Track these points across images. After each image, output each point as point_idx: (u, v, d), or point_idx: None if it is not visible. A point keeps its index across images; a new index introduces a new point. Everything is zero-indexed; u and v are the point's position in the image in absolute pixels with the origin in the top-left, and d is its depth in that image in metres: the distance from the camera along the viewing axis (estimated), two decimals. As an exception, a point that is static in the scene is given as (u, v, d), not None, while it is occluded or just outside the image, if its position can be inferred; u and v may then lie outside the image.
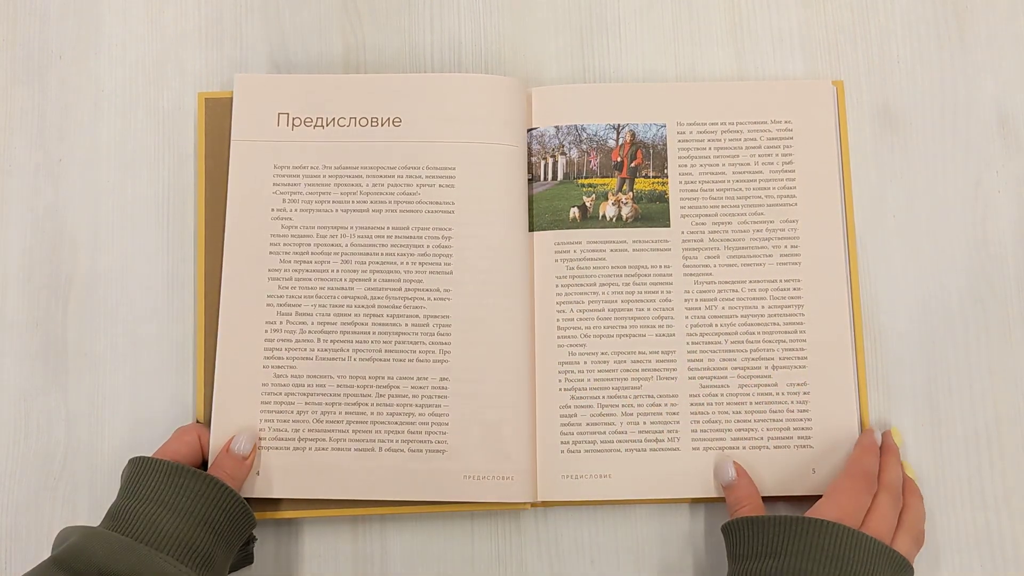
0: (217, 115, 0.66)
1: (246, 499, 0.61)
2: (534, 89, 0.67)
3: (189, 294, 0.66)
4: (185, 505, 0.55)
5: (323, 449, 0.62)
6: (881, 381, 0.66)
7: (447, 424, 0.62)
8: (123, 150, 0.68)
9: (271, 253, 0.64)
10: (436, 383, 0.62)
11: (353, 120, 0.66)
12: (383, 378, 0.63)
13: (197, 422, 0.63)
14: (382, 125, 0.65)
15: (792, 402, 0.64)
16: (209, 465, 0.61)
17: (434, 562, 0.64)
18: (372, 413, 0.62)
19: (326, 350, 0.63)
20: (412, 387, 0.62)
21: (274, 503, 0.62)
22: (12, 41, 0.69)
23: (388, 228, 0.64)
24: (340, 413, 0.62)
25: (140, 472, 0.56)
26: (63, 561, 0.51)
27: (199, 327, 0.64)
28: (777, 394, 0.64)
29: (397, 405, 0.62)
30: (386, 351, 0.63)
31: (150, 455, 0.59)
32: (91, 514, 0.64)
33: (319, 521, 0.64)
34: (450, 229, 0.64)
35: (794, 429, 0.63)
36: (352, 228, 0.64)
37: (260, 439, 0.62)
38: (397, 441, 0.62)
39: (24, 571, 0.51)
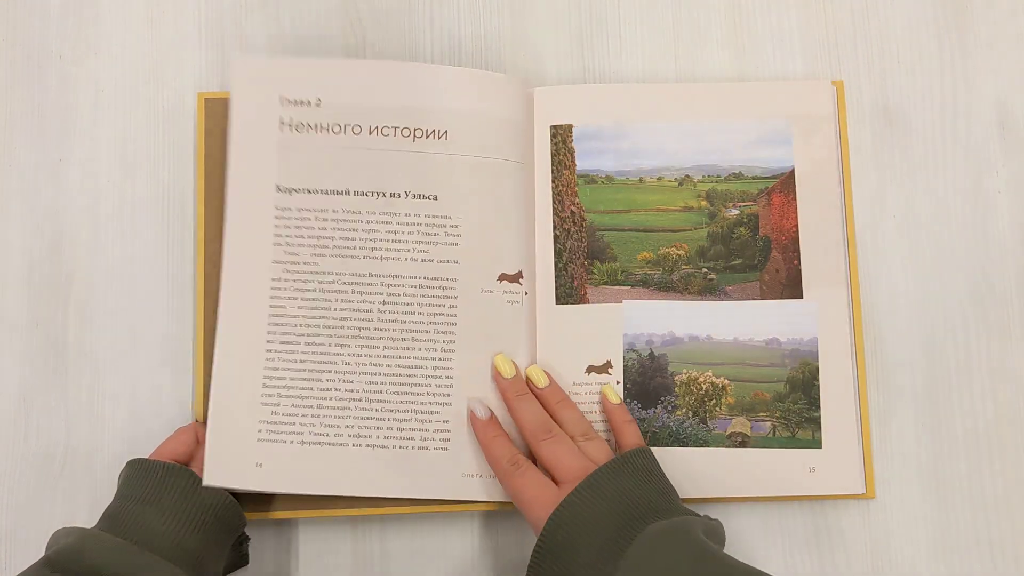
0: (217, 115, 0.66)
1: (247, 492, 0.61)
2: (535, 89, 0.67)
3: (189, 294, 0.66)
4: (173, 504, 0.55)
5: (324, 444, 0.62)
6: (881, 381, 0.66)
7: (449, 422, 0.62)
8: (123, 150, 0.68)
9: (275, 244, 0.63)
10: (439, 380, 0.62)
11: (359, 128, 0.65)
12: (385, 375, 0.62)
13: (196, 422, 0.63)
14: (395, 136, 0.65)
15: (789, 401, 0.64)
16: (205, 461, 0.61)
17: (434, 562, 0.64)
18: (374, 409, 0.62)
19: (328, 345, 0.63)
20: (414, 384, 0.62)
21: (274, 502, 0.62)
22: (12, 41, 0.69)
23: (393, 222, 0.64)
24: (342, 409, 0.62)
25: (135, 473, 0.57)
26: (56, 562, 0.51)
27: (199, 327, 0.64)
28: (776, 392, 0.64)
29: (399, 402, 0.62)
30: (388, 347, 0.63)
31: (148, 456, 0.59)
32: (91, 514, 0.64)
33: (318, 521, 0.64)
34: (458, 227, 0.64)
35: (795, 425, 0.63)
36: (355, 226, 0.64)
37: (259, 432, 0.61)
38: (399, 438, 0.62)
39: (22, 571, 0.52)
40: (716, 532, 0.55)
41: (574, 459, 0.57)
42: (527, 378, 0.62)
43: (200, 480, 0.56)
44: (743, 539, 0.64)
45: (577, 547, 0.53)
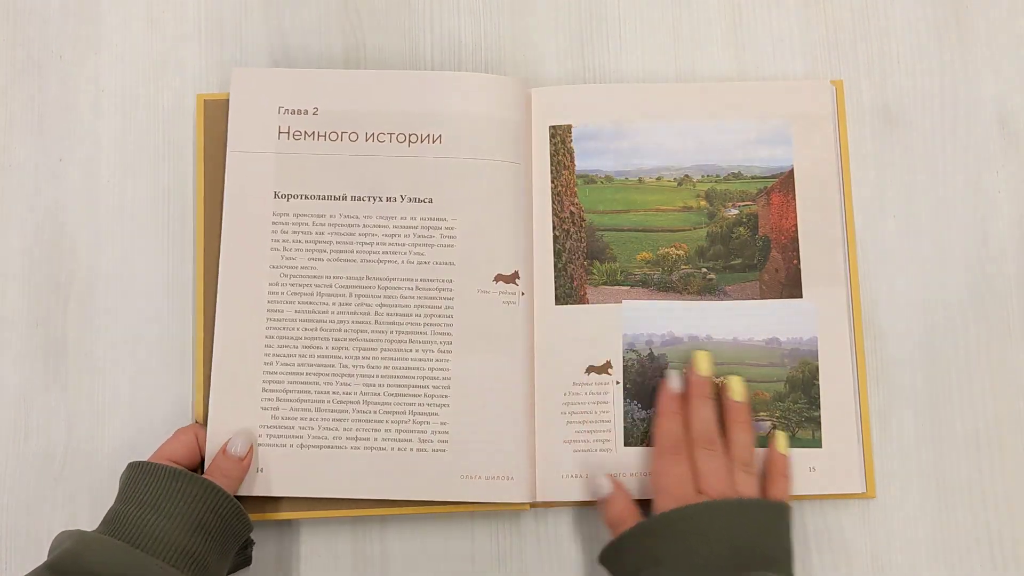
0: (216, 116, 0.66)
1: (247, 496, 0.61)
2: (534, 89, 0.67)
3: (189, 294, 0.66)
4: (179, 509, 0.55)
5: (324, 447, 0.62)
6: (881, 381, 0.66)
7: (448, 423, 0.62)
8: (123, 150, 0.68)
9: (272, 249, 0.64)
10: (436, 382, 0.62)
11: (356, 135, 0.65)
12: (383, 377, 0.63)
13: (196, 423, 0.63)
14: (391, 142, 0.65)
15: (791, 400, 0.64)
16: (205, 467, 0.61)
17: (434, 562, 0.64)
18: (373, 412, 0.62)
19: (325, 349, 0.63)
20: (413, 386, 0.62)
21: (274, 503, 0.62)
22: (12, 41, 0.69)
23: (390, 226, 0.64)
24: (341, 411, 0.62)
25: (137, 476, 0.57)
26: (59, 567, 0.51)
27: (199, 327, 0.64)
28: (777, 392, 0.64)
29: (397, 404, 0.62)
30: (386, 350, 0.63)
31: (148, 457, 0.59)
32: (91, 514, 0.64)
33: (319, 522, 0.64)
34: (453, 228, 0.64)
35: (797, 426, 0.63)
36: (352, 231, 0.64)
37: (259, 436, 0.62)
38: (398, 440, 0.62)
39: (22, 572, 0.51)
40: None
41: (723, 482, 0.57)
42: (726, 385, 0.62)
43: (207, 484, 0.56)
44: (743, 539, 0.64)
45: (690, 550, 0.53)
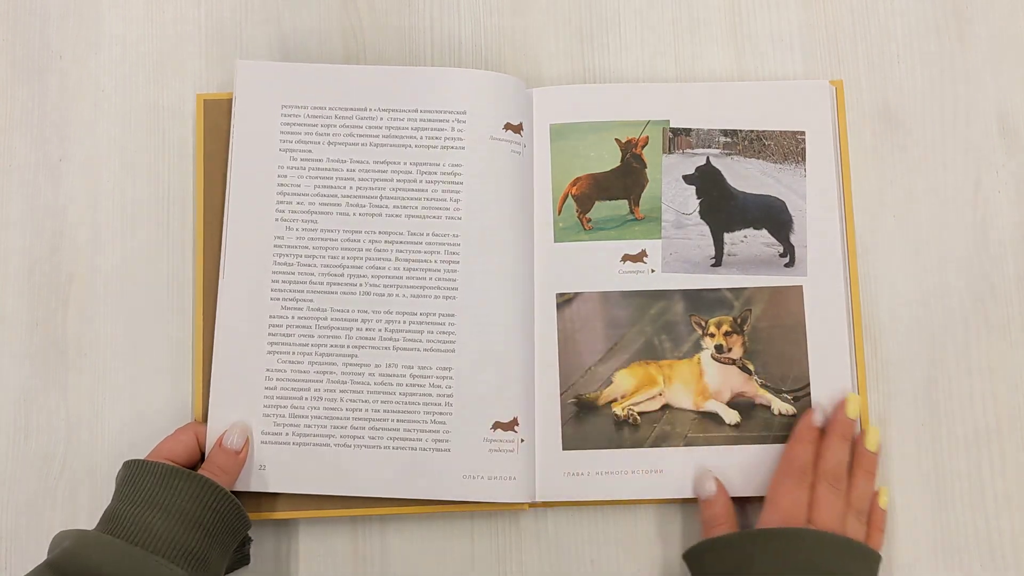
0: (216, 116, 0.66)
1: (247, 494, 0.61)
2: (535, 89, 0.67)
3: (189, 294, 0.66)
4: (178, 506, 0.55)
5: (324, 445, 0.62)
6: (881, 381, 0.66)
7: (449, 423, 0.62)
8: (123, 150, 0.68)
9: (275, 246, 0.64)
10: (439, 381, 0.62)
11: (359, 130, 0.65)
12: (386, 375, 0.63)
13: (195, 421, 0.63)
14: (394, 138, 0.65)
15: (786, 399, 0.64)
16: (206, 464, 0.61)
17: (434, 562, 0.64)
18: (374, 410, 0.62)
19: (328, 347, 0.63)
20: (415, 385, 0.62)
21: (273, 502, 0.62)
22: (12, 41, 0.69)
23: (393, 230, 0.64)
24: (342, 410, 0.62)
25: (133, 475, 0.57)
26: (58, 565, 0.51)
27: (198, 326, 0.64)
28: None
29: (398, 403, 0.62)
30: (387, 348, 0.63)
31: (146, 456, 0.59)
32: (91, 514, 0.64)
33: (318, 521, 0.64)
34: (457, 236, 0.64)
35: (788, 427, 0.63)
36: (358, 224, 0.64)
37: (259, 434, 0.62)
38: (399, 439, 0.62)
39: (23, 572, 0.51)
40: None
41: (836, 521, 0.57)
42: (864, 432, 0.62)
43: (203, 481, 0.56)
44: (743, 539, 0.64)
45: (780, 569, 0.54)
